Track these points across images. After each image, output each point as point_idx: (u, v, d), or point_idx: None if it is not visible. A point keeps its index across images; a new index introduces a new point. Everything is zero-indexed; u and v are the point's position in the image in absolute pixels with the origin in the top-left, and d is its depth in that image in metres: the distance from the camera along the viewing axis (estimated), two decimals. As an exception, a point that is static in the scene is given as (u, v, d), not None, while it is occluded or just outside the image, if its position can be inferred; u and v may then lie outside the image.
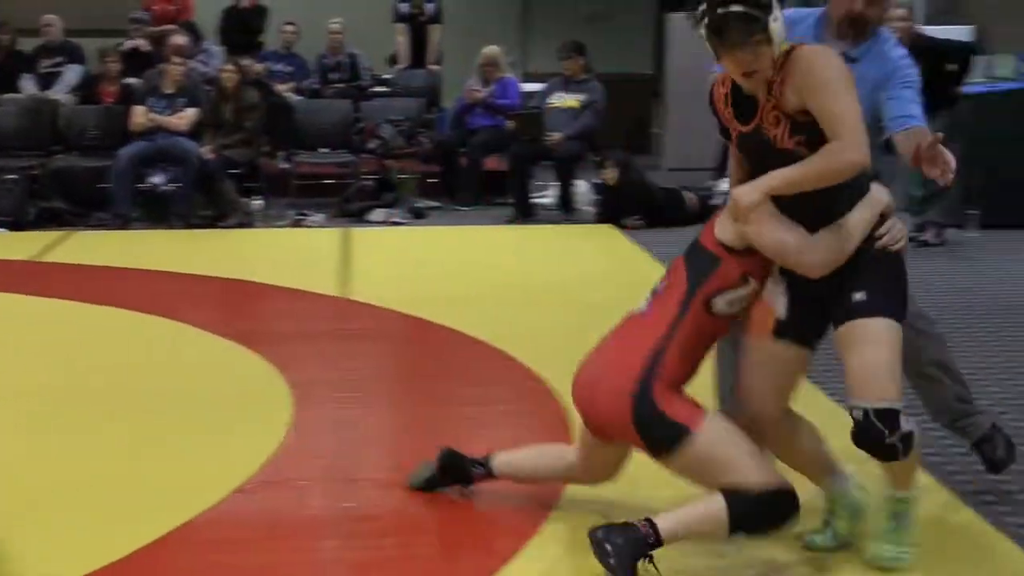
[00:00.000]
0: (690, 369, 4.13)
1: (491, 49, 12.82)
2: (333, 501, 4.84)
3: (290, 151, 12.84)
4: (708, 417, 4.07)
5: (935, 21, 12.59)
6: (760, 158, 3.96)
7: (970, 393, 4.93)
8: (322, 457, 5.32)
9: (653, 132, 15.65)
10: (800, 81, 3.79)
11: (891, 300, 3.93)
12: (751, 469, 3.96)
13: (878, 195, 4.01)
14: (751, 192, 3.85)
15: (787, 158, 3.84)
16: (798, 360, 4.13)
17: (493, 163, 12.50)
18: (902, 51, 4.73)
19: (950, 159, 4.08)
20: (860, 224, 3.94)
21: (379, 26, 14.46)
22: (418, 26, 14.32)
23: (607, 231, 11.00)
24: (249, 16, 13.92)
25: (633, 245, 10.29)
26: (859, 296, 3.88)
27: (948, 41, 10.45)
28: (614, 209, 11.28)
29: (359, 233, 10.94)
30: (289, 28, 13.86)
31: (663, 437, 4.01)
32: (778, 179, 3.83)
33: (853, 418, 3.87)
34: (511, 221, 11.59)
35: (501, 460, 4.70)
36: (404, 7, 14.29)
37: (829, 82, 3.78)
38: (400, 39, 14.40)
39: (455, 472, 4.73)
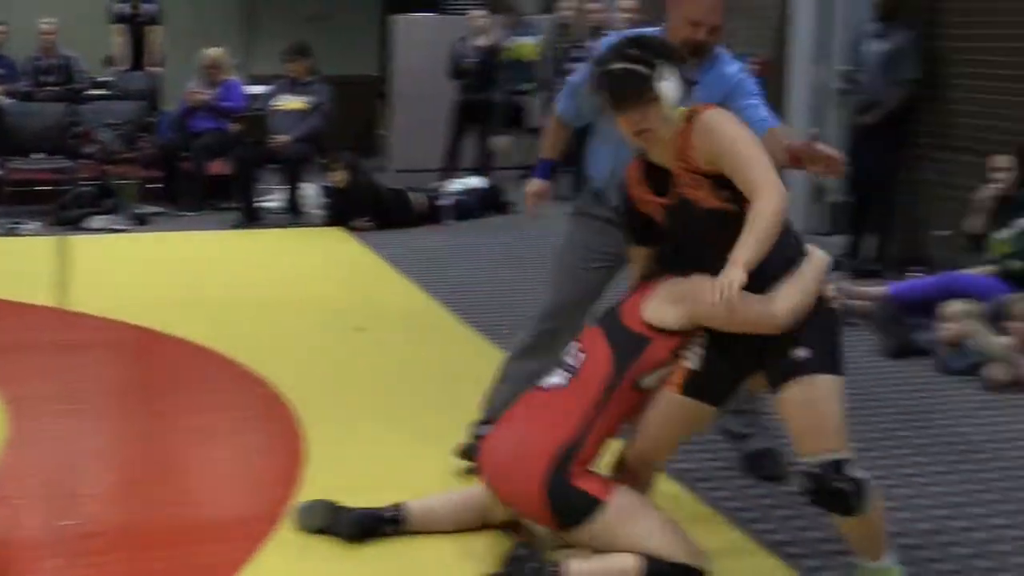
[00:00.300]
0: (606, 443, 4.16)
1: (214, 51, 12.68)
2: (53, 518, 4.73)
3: (1, 157, 12.41)
4: (619, 488, 4.09)
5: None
6: (687, 224, 3.95)
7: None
8: (40, 473, 5.21)
9: (380, 134, 15.70)
10: (707, 147, 3.84)
11: (832, 356, 3.91)
12: (667, 538, 4.02)
13: (818, 253, 4.04)
14: (738, 275, 3.68)
15: (715, 217, 3.86)
16: (701, 417, 4.15)
17: (218, 167, 12.31)
18: (737, 65, 4.96)
19: (833, 152, 4.27)
20: (814, 275, 3.96)
21: (95, 27, 14.14)
22: (136, 27, 14.08)
23: (336, 234, 11.00)
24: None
25: (362, 247, 10.33)
26: (802, 353, 3.85)
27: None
28: (343, 211, 11.28)
29: (78, 241, 10.66)
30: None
31: (575, 510, 4.02)
32: (747, 253, 3.72)
33: (805, 474, 3.85)
34: (237, 226, 11.47)
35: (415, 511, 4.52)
36: (121, 7, 14.02)
37: (734, 142, 3.84)
38: (118, 40, 14.11)
39: (368, 534, 4.48)
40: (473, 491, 4.53)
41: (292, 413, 5.98)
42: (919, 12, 9.12)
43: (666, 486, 4.77)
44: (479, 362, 6.51)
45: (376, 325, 7.66)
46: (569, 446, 4.02)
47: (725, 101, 4.75)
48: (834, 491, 3.78)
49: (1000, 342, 6.61)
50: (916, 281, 7.88)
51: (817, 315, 3.89)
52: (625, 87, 3.78)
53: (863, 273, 8.97)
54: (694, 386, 4.02)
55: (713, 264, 3.79)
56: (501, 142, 13.77)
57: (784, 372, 3.86)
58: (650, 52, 3.83)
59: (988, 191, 7.71)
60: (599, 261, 5.03)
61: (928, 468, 5.34)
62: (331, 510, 4.49)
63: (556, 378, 4.19)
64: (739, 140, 3.86)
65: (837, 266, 9.08)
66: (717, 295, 3.66)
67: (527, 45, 13.55)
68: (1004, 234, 7.60)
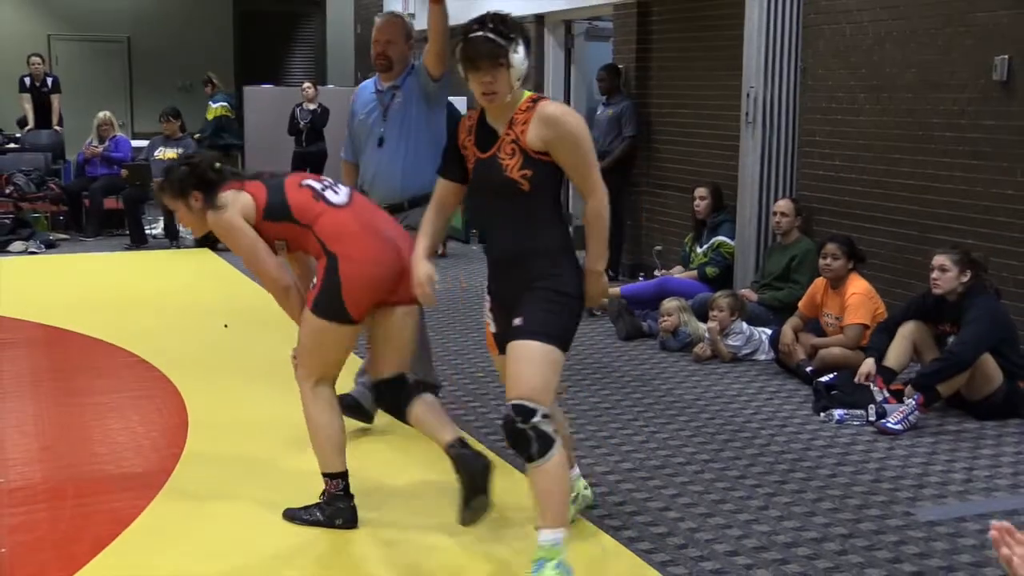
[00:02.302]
0: None
1: (104, 113, 12.28)
2: (-12, 477, 4.54)
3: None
4: None
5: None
6: (485, 184, 3.56)
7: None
8: (-23, 443, 4.98)
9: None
10: (547, 133, 3.44)
11: (551, 331, 3.46)
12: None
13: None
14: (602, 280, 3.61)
15: (509, 186, 3.46)
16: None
17: (111, 203, 11.96)
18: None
19: None
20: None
21: (9, 95, 13.60)
22: (40, 95, 13.64)
23: (204, 254, 10.76)
24: None
25: (225, 263, 10.13)
26: (517, 321, 3.47)
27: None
28: (209, 236, 10.99)
29: (1, 262, 10.21)
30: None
31: None
32: (601, 251, 3.60)
33: (505, 416, 3.41)
34: (128, 248, 11.15)
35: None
36: (28, 80, 13.57)
37: (581, 141, 3.49)
38: (27, 106, 13.62)
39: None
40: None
41: (175, 389, 5.87)
42: (632, 87, 9.35)
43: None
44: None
45: (238, 322, 7.54)
46: None
47: (421, 103, 5.11)
48: (517, 431, 3.36)
49: (704, 327, 6.81)
50: (640, 283, 8.10)
51: (555, 302, 3.49)
52: (481, 50, 3.44)
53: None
54: (499, 343, 3.69)
55: (493, 221, 3.61)
56: None
57: (508, 336, 3.52)
58: (508, 28, 3.50)
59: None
60: None
61: (653, 420, 5.45)
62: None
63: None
64: (584, 140, 3.50)
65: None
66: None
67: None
68: (702, 248, 7.88)
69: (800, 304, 6.49)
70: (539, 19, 10.96)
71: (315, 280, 3.94)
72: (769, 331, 6.65)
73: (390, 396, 4.09)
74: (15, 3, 16.15)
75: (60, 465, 4.70)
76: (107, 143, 12.03)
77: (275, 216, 3.98)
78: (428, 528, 4.03)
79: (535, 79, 11.00)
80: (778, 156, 7.49)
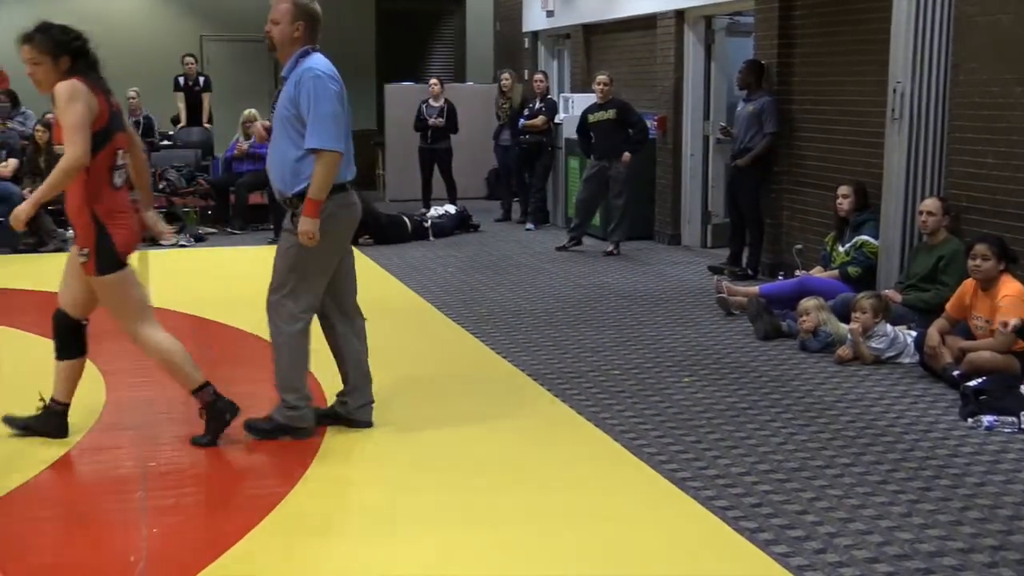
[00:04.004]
0: None
1: (250, 111, 12.63)
2: (140, 461, 4.72)
3: (95, 191, 12.36)
4: None
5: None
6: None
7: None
8: (130, 428, 5.18)
9: (378, 173, 15.68)
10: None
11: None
12: None
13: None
14: None
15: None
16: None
17: (256, 198, 12.29)
18: (308, 66, 4.76)
19: None
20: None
21: (165, 94, 14.09)
22: (193, 94, 14.07)
23: (345, 248, 10.97)
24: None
25: (365, 258, 10.29)
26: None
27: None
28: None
29: (153, 254, 10.58)
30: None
31: None
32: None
33: None
34: (272, 242, 11.40)
35: None
36: (182, 80, 14.01)
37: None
38: (180, 104, 14.09)
39: None
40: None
41: (315, 379, 5.98)
42: (774, 83, 9.20)
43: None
44: (450, 338, 6.70)
45: (376, 315, 7.63)
46: None
47: (296, 96, 4.71)
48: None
49: (846, 327, 6.65)
50: (779, 282, 7.95)
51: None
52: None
53: (740, 276, 9.05)
54: None
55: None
56: None
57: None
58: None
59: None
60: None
61: (791, 421, 5.34)
62: None
63: None
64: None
65: (720, 271, 9.22)
66: None
67: None
68: (844, 247, 7.70)
69: (947, 306, 6.28)
70: (679, 14, 10.85)
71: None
72: (914, 333, 6.45)
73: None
74: (170, 6, 16.76)
75: (206, 451, 4.85)
76: (252, 139, 12.37)
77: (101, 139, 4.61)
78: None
79: (674, 75, 10.90)
80: (925, 153, 7.25)
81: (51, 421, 4.94)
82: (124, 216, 4.75)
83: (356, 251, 10.49)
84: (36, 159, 11.24)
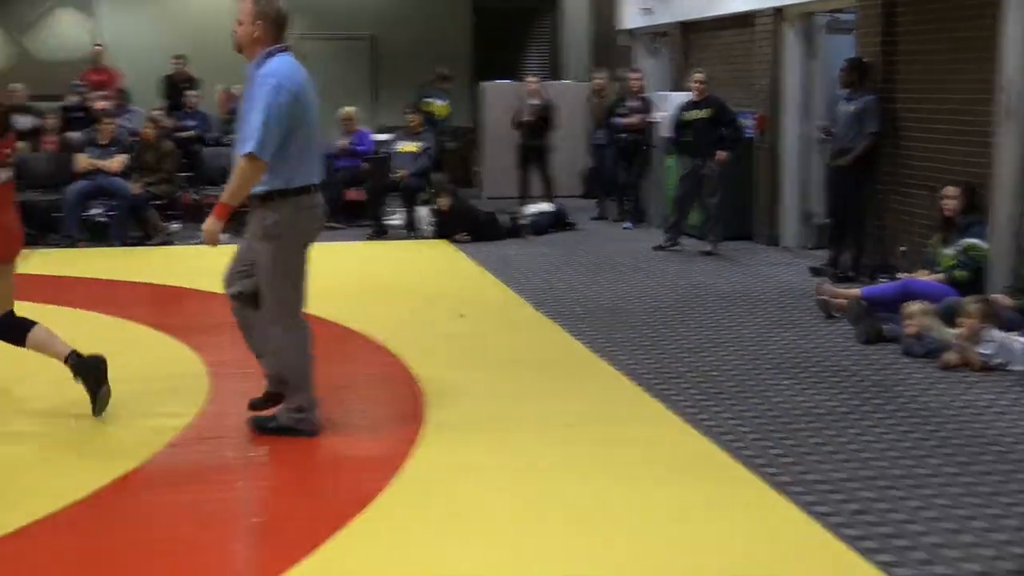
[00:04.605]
0: None
1: (349, 108, 12.78)
2: (242, 451, 4.79)
3: (199, 186, 12.61)
4: None
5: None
6: None
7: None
8: (233, 417, 5.26)
9: (474, 170, 15.73)
10: None
11: None
12: None
13: None
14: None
15: None
16: None
17: (354, 194, 12.42)
18: (268, 71, 4.69)
19: None
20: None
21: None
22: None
23: (441, 245, 11.04)
24: (185, 83, 13.78)
25: (462, 255, 10.36)
26: None
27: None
28: (447, 228, 11.31)
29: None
30: (192, 94, 13.64)
31: None
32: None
33: None
34: (369, 238, 11.55)
35: None
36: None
37: None
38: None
39: None
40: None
41: (411, 374, 6.03)
42: (877, 81, 9.00)
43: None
44: (546, 336, 6.68)
45: (473, 311, 7.69)
46: None
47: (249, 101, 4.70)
48: None
49: (952, 332, 6.47)
50: (882, 285, 7.77)
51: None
52: None
53: (842, 278, 8.87)
54: None
55: None
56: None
57: None
58: None
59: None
60: None
61: (895, 427, 5.20)
62: None
63: None
64: None
65: (821, 272, 9.05)
66: None
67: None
68: (950, 250, 7.49)
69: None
70: (778, 12, 10.67)
71: None
72: (1024, 339, 6.25)
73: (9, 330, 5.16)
74: (271, 4, 17.03)
75: (305, 442, 4.89)
76: (351, 137, 12.50)
77: None
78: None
79: (772, 73, 10.73)
80: (1037, 153, 7.02)
81: (89, 367, 5.12)
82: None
83: (453, 247, 10.66)
84: (144, 155, 11.50)
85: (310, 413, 4.94)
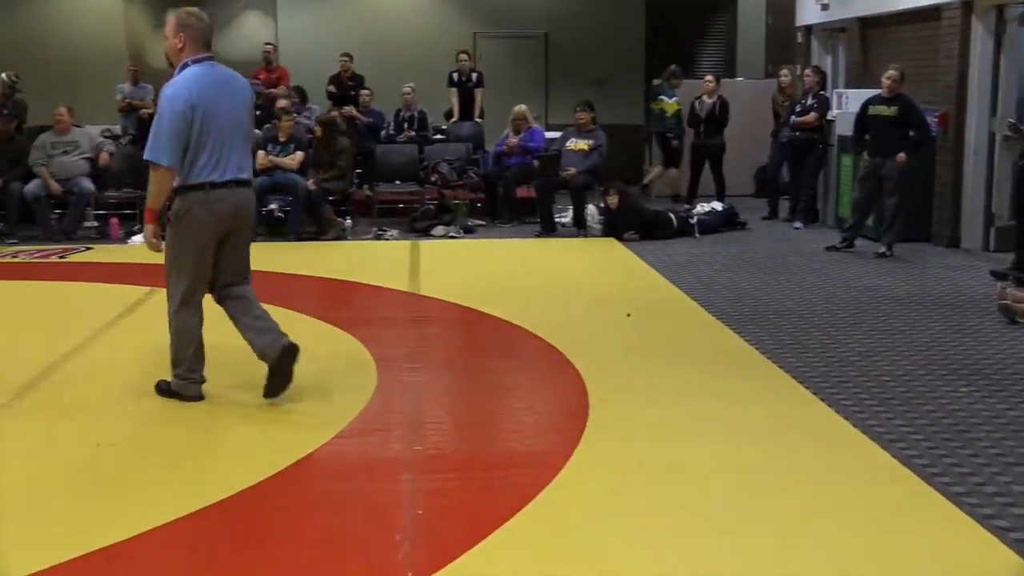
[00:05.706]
0: None
1: (520, 107, 12.86)
2: (408, 444, 4.87)
3: (373, 182, 12.94)
4: None
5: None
6: None
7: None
8: (399, 411, 5.37)
9: (645, 168, 15.63)
10: None
11: None
12: None
13: None
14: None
15: None
16: None
17: (524, 192, 12.51)
18: (171, 84, 5.09)
19: None
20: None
21: (439, 89, 14.54)
22: (466, 90, 14.43)
23: (610, 243, 11.01)
24: (351, 80, 14.13)
25: (630, 254, 10.31)
26: None
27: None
28: (615, 226, 11.28)
29: (424, 244, 10.99)
30: (365, 92, 13.96)
31: None
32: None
33: None
34: (538, 235, 11.61)
35: None
36: (455, 75, 14.39)
37: None
38: (453, 99, 14.50)
39: None
40: None
41: (577, 373, 6.03)
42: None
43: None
44: (714, 336, 6.61)
45: (640, 311, 7.64)
46: None
47: None
48: None
49: None
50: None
51: None
52: None
53: (1026, 282, 8.46)
54: None
55: None
56: (653, 171, 14.28)
57: None
58: None
59: None
60: None
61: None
62: None
63: None
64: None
65: (1004, 276, 8.64)
66: None
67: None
68: None
69: None
70: (966, 5, 10.24)
71: None
72: None
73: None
74: (445, 4, 17.26)
75: (469, 438, 4.97)
76: (522, 134, 12.60)
77: None
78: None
79: (957, 68, 10.31)
80: None
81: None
82: None
83: (621, 246, 10.63)
84: (320, 151, 11.83)
85: (188, 380, 5.34)
